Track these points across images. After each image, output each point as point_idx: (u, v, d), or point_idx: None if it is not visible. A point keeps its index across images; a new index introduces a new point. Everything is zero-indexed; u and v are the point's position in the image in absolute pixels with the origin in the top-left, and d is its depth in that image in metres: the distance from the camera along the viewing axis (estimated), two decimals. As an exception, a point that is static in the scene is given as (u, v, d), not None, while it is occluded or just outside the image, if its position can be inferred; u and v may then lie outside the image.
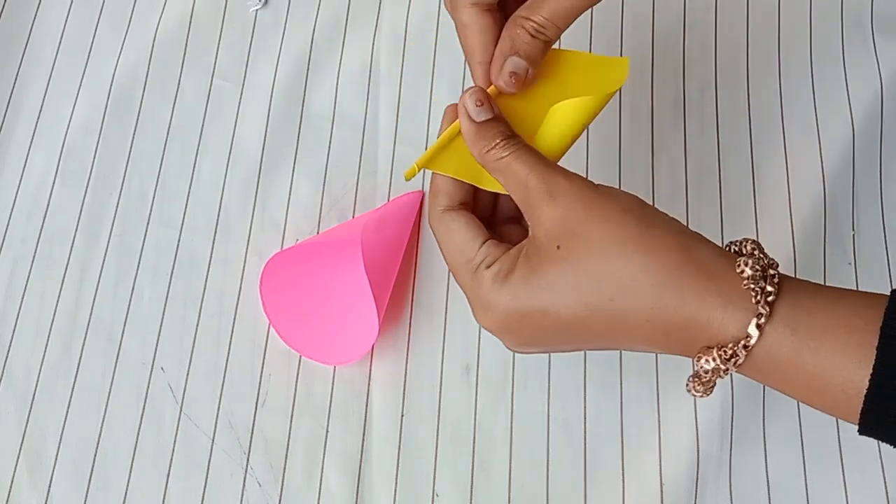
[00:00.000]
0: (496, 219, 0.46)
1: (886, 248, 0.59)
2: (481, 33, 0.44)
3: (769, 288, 0.37)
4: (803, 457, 0.55)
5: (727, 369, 0.38)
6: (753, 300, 0.37)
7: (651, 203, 0.60)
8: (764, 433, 0.55)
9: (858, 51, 0.65)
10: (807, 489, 0.54)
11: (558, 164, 0.42)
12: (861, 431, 0.37)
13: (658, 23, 0.66)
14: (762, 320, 0.37)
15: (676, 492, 0.54)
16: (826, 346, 0.36)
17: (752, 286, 0.37)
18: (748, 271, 0.37)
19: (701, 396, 0.40)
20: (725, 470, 0.54)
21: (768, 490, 0.54)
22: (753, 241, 0.39)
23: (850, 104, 0.63)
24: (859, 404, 0.36)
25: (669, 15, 0.66)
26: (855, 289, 0.39)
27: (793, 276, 0.40)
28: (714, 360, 0.38)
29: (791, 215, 0.60)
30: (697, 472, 0.54)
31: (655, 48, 0.65)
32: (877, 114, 0.63)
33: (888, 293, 0.37)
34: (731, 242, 0.40)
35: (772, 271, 0.38)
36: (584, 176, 0.41)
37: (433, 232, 0.44)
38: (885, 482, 0.54)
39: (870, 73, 0.64)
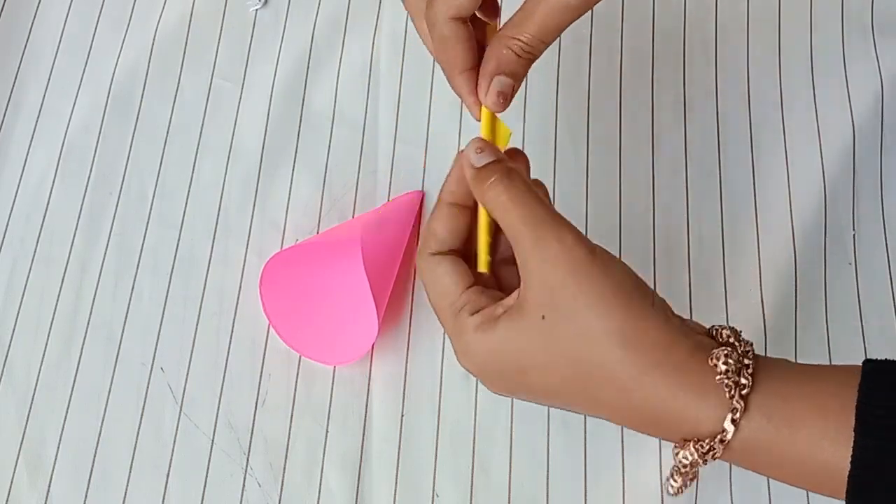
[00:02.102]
0: (493, 259, 0.45)
1: (887, 248, 0.59)
2: (462, 43, 0.43)
3: (743, 381, 0.37)
4: (803, 457, 0.55)
5: (706, 461, 0.38)
6: (728, 395, 0.37)
7: (652, 204, 0.61)
8: (764, 433, 0.55)
9: (859, 51, 0.65)
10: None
11: (556, 215, 0.41)
12: None
13: (658, 23, 0.66)
14: (737, 415, 0.37)
15: (676, 492, 0.54)
16: (803, 433, 0.37)
17: (726, 381, 0.37)
18: (721, 366, 0.37)
19: (676, 493, 0.40)
20: (725, 470, 0.54)
21: (768, 490, 0.54)
22: (731, 328, 0.39)
23: (850, 104, 0.63)
24: (843, 484, 0.36)
25: (669, 15, 0.66)
26: (828, 364, 0.39)
27: (770, 356, 0.39)
28: (692, 454, 0.38)
29: (791, 215, 0.60)
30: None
31: (655, 48, 0.65)
32: (877, 114, 0.63)
33: (861, 364, 0.37)
34: (712, 326, 0.40)
35: (747, 360, 0.38)
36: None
37: (420, 274, 0.44)
38: (884, 482, 0.54)
39: (870, 73, 0.64)
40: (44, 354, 0.58)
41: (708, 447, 0.38)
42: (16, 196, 0.62)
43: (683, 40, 0.65)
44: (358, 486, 0.55)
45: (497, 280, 0.44)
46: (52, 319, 0.59)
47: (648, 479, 0.54)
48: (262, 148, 0.63)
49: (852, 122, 0.62)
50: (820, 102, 0.63)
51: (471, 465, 0.55)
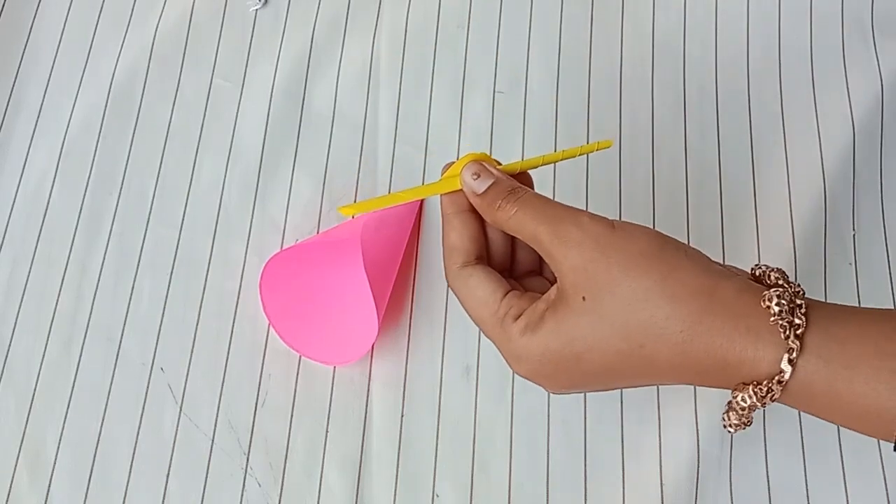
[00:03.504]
0: (515, 272, 0.46)
1: (886, 248, 0.59)
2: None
3: (797, 321, 0.37)
4: (803, 457, 0.55)
5: (764, 403, 0.38)
6: (783, 335, 0.37)
7: (652, 204, 0.61)
8: (764, 433, 0.55)
9: (859, 51, 0.65)
10: (807, 489, 0.54)
11: (568, 207, 0.41)
12: None
13: (658, 24, 0.66)
14: (794, 355, 0.37)
15: (676, 492, 0.54)
16: (859, 375, 0.36)
17: (781, 322, 0.37)
18: (775, 307, 0.37)
19: (737, 430, 0.40)
20: (725, 470, 0.54)
21: (768, 490, 0.54)
22: (778, 270, 0.39)
23: (850, 104, 0.63)
24: (895, 427, 0.36)
25: (669, 16, 0.66)
26: (882, 308, 0.39)
27: (821, 300, 0.39)
28: (750, 396, 0.38)
29: (791, 215, 0.60)
30: (697, 472, 0.54)
31: (655, 49, 0.65)
32: (877, 113, 0.63)
33: None
34: (755, 266, 0.40)
35: (799, 301, 0.38)
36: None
37: (453, 290, 0.44)
38: (885, 482, 0.54)
39: (870, 73, 0.64)
40: (44, 354, 0.58)
41: (766, 389, 0.37)
42: (16, 196, 0.62)
43: (683, 40, 0.65)
44: (358, 486, 0.55)
45: (523, 290, 0.44)
46: (52, 319, 0.59)
47: (648, 479, 0.54)
48: (262, 148, 0.63)
49: (852, 122, 0.62)
50: (820, 102, 0.63)
51: (471, 465, 0.55)
